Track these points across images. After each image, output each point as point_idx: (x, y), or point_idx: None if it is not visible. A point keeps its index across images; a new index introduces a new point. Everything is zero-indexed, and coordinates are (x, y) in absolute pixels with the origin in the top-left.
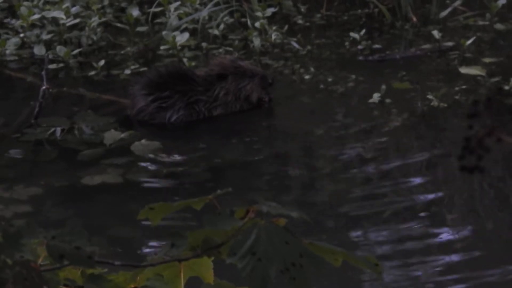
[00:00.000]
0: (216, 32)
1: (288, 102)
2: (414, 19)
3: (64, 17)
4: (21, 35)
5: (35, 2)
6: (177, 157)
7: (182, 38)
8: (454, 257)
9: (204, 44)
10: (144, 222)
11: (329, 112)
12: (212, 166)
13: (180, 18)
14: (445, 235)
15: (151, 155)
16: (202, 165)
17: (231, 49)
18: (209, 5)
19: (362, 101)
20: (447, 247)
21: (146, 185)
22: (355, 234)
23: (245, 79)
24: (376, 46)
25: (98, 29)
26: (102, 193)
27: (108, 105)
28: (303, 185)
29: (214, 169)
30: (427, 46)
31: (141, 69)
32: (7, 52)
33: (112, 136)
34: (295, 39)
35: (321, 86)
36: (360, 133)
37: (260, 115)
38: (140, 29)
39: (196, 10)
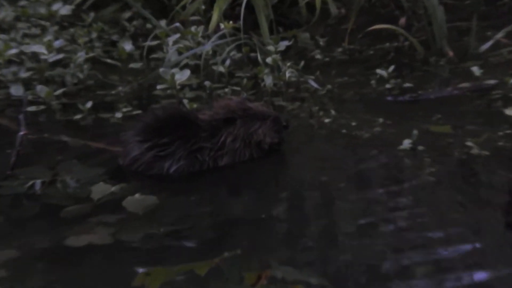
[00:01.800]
0: (221, 69)
1: (305, 150)
2: (451, 53)
3: (45, 52)
4: None
5: (12, 35)
6: (176, 214)
7: (182, 76)
8: None
9: (207, 83)
10: None
11: (352, 161)
12: (217, 224)
13: (180, 53)
14: None
15: (146, 212)
16: (206, 223)
17: (238, 88)
18: (213, 38)
19: (390, 148)
20: None
21: (140, 246)
22: None
23: (256, 123)
24: (407, 85)
25: (85, 66)
26: (89, 256)
27: (96, 154)
28: (322, 244)
29: (220, 227)
30: (465, 84)
31: (135, 112)
32: None
33: (101, 189)
34: (312, 77)
35: (343, 131)
36: (387, 185)
37: (273, 165)
38: (133, 65)
39: (199, 44)
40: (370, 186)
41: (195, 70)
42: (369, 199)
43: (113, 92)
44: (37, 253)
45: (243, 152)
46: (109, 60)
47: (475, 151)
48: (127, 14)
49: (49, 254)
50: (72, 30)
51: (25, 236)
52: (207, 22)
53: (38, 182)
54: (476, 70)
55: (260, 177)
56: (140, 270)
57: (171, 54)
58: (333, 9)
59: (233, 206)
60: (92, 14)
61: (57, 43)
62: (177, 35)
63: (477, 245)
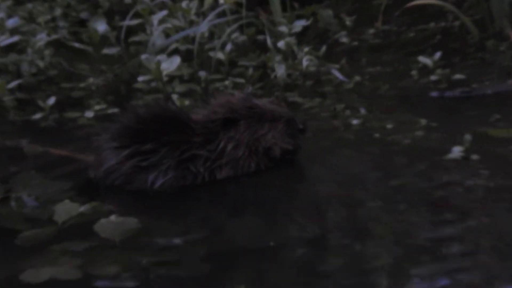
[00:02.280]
0: (220, 55)
1: (326, 160)
2: None
3: None
4: None
5: None
6: (163, 241)
7: (170, 64)
8: None
9: (202, 74)
10: None
11: (387, 174)
12: (214, 254)
13: (167, 36)
14: None
15: (124, 239)
16: (201, 252)
17: (242, 80)
18: (210, 16)
19: (436, 157)
20: None
21: (116, 282)
22: None
23: (264, 125)
24: (457, 76)
25: (47, 52)
26: None
27: (60, 164)
28: (345, 281)
29: (217, 258)
30: None
31: (110, 111)
32: None
33: (66, 209)
34: (337, 65)
35: (376, 135)
36: (430, 207)
37: (285, 179)
38: (108, 51)
39: (191, 23)
40: (407, 208)
41: (186, 57)
42: (406, 225)
43: (82, 85)
44: None
45: (248, 162)
46: (77, 44)
47: None
48: None
49: None
50: (29, 5)
51: None
52: None
53: None
54: None
55: (269, 195)
56: None
57: (156, 36)
58: None
59: (235, 231)
60: None
61: (11, 22)
62: (164, 12)
63: None
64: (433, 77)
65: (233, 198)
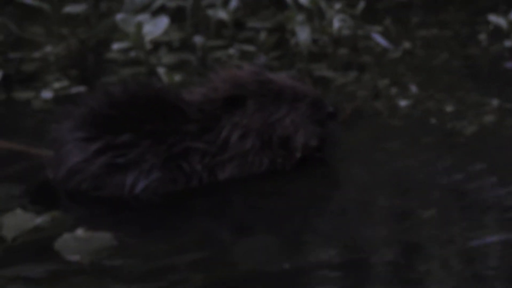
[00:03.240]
0: (222, 14)
1: (365, 155)
2: None
3: None
4: None
5: None
6: (147, 264)
7: (155, 27)
8: None
9: (198, 40)
10: None
11: (445, 174)
12: (215, 280)
13: None
14: None
15: (95, 261)
16: (196, 279)
17: (252, 48)
18: None
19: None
20: None
21: None
22: None
23: (281, 107)
24: None
25: None
26: None
27: (9, 162)
28: None
29: (218, 286)
30: None
31: (74, 90)
32: None
33: (17, 222)
34: (379, 28)
35: (431, 121)
36: (502, 215)
37: (309, 181)
38: (71, 9)
39: None
40: (473, 220)
41: (177, 17)
42: (474, 248)
43: (36, 55)
44: None
45: (259, 158)
46: (29, 0)
47: None
48: None
49: None
50: None
51: None
52: None
53: None
54: None
55: (285, 204)
56: None
57: None
58: None
59: (240, 251)
60: None
61: None
62: None
63: None
64: (508, 43)
65: (239, 209)
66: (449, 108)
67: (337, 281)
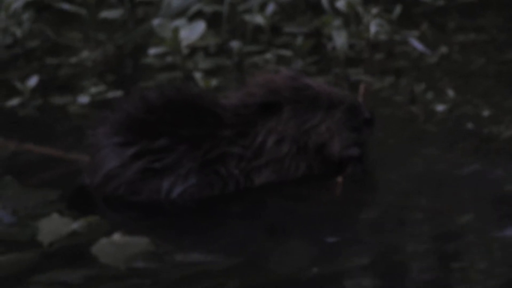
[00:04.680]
0: (259, 20)
1: (402, 161)
2: None
3: None
4: None
5: None
6: (184, 269)
7: (192, 32)
8: None
9: (235, 45)
10: None
11: (483, 179)
12: (249, 286)
13: None
14: None
15: (131, 265)
16: (232, 284)
17: (289, 53)
18: None
19: None
20: None
21: None
22: None
23: (317, 113)
24: None
25: (25, 16)
26: None
27: (45, 167)
28: None
29: None
30: None
31: (111, 94)
32: None
33: (54, 227)
34: (415, 32)
35: (469, 126)
36: None
37: (345, 187)
38: (108, 14)
39: None
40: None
41: (213, 22)
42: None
43: (73, 60)
44: None
45: (295, 163)
46: (66, 6)
47: None
48: None
49: None
50: None
51: None
52: None
53: None
54: None
55: (322, 210)
56: None
57: None
58: None
59: (276, 256)
60: None
61: None
62: None
63: None
64: None
65: (274, 213)
66: (485, 113)
67: (367, 285)
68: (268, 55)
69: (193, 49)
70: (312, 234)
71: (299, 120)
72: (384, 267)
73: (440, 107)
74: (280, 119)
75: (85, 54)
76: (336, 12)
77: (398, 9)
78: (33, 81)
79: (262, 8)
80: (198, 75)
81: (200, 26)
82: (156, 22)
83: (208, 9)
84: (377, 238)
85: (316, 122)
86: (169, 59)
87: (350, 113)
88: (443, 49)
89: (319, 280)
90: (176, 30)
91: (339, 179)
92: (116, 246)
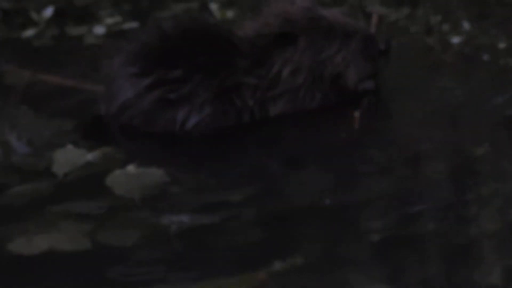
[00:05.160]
0: None
1: (418, 91)
2: None
3: None
4: None
5: None
6: (198, 200)
7: None
8: None
9: None
10: None
11: (499, 109)
12: (266, 218)
13: None
14: None
15: (147, 197)
16: (248, 214)
17: None
18: None
19: None
20: None
21: (137, 254)
22: None
23: (333, 43)
24: None
25: None
26: (50, 269)
27: (60, 96)
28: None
29: (269, 223)
30: None
31: (126, 25)
32: None
33: (69, 158)
34: None
35: (484, 57)
36: None
37: (362, 113)
38: None
39: None
40: None
41: None
42: None
43: None
44: None
45: (311, 94)
46: None
47: None
48: None
49: None
50: None
51: None
52: None
53: None
54: None
55: (338, 139)
56: None
57: None
58: None
59: (292, 187)
60: None
61: None
62: None
63: None
64: None
65: (290, 144)
66: (501, 45)
67: (386, 213)
68: None
69: None
70: (327, 164)
71: (315, 50)
72: (401, 196)
73: (455, 39)
74: (296, 49)
75: None
76: None
77: None
78: (48, 11)
79: None
80: (214, 6)
81: None
82: None
83: None
84: (393, 164)
85: (332, 52)
86: None
87: (365, 43)
88: None
89: (335, 209)
90: None
91: (356, 114)
92: (131, 177)
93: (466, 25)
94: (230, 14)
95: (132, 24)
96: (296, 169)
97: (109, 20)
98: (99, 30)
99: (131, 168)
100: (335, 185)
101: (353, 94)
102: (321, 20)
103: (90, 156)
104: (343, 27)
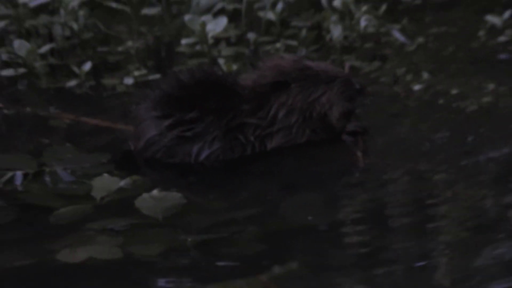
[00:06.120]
0: (271, 15)
1: (386, 128)
2: None
3: None
4: None
5: None
6: (210, 219)
7: (216, 25)
8: None
9: (251, 36)
10: None
11: (452, 144)
12: (266, 233)
13: None
14: None
15: (168, 216)
16: (250, 231)
17: (295, 43)
18: None
19: (506, 125)
20: None
21: (160, 262)
22: None
23: (318, 88)
24: None
25: (81, 13)
26: (89, 275)
27: (97, 135)
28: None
29: (269, 237)
30: None
31: (151, 77)
32: None
33: (105, 184)
34: (398, 26)
35: (440, 102)
36: (502, 183)
37: (345, 149)
38: (148, 11)
39: None
40: (477, 179)
41: (234, 17)
42: (477, 198)
43: (120, 49)
44: (18, 272)
45: (302, 130)
46: (114, 4)
47: None
48: None
49: (33, 274)
50: None
51: (1, 249)
52: None
53: (18, 174)
54: None
55: (326, 166)
56: None
57: None
58: None
59: (288, 207)
60: None
61: None
62: None
63: None
64: (502, 38)
65: (288, 172)
66: (454, 91)
67: (369, 234)
68: (278, 45)
69: (217, 40)
70: (317, 189)
71: (304, 94)
72: (377, 218)
73: (417, 87)
74: (289, 95)
75: (129, 43)
76: (333, 9)
77: (383, 7)
78: (87, 65)
79: (273, 5)
80: (221, 61)
81: (223, 21)
82: (187, 17)
83: (229, 6)
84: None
85: (318, 94)
86: (198, 47)
87: (344, 85)
88: (420, 39)
89: (323, 226)
90: (203, 24)
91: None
92: (155, 199)
93: (425, 76)
94: (234, 67)
95: (155, 76)
96: (291, 193)
97: (137, 73)
98: (129, 81)
99: (155, 192)
100: (323, 206)
101: (336, 129)
102: (308, 69)
103: (122, 183)
104: (326, 73)
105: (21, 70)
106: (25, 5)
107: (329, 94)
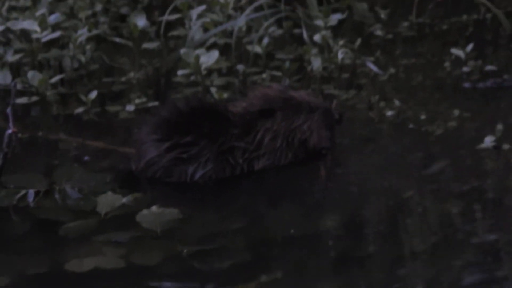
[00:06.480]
0: (257, 49)
1: (362, 150)
2: None
3: (38, 29)
4: None
5: None
6: (203, 231)
7: (209, 58)
8: None
9: (240, 67)
10: None
11: (421, 164)
12: (253, 243)
13: (205, 30)
14: None
15: (166, 229)
16: (240, 242)
17: (279, 73)
18: (248, 11)
19: (469, 147)
20: None
21: (159, 271)
22: None
23: (300, 116)
24: (489, 67)
25: (88, 46)
26: (95, 283)
27: (102, 157)
28: (384, 267)
29: (256, 247)
30: None
31: (150, 104)
32: None
33: (109, 201)
34: (372, 58)
35: (410, 126)
36: (465, 194)
37: (322, 166)
38: (148, 45)
39: (229, 17)
40: (443, 195)
41: (225, 51)
42: (443, 212)
43: (123, 79)
44: (30, 281)
45: (285, 153)
46: (117, 39)
47: None
48: None
49: (45, 282)
50: (71, 1)
51: (15, 259)
52: None
53: (31, 192)
54: None
55: (306, 184)
56: None
57: (195, 31)
58: None
59: (273, 220)
60: None
61: (53, 18)
62: (202, 7)
63: None
64: (465, 69)
65: (272, 188)
66: (423, 116)
67: (349, 239)
68: (264, 75)
69: (210, 71)
70: (298, 203)
71: (288, 122)
72: (352, 228)
73: (389, 113)
74: (274, 121)
75: (131, 74)
76: (314, 43)
77: (358, 41)
78: (93, 94)
79: (260, 40)
80: (213, 90)
81: (215, 54)
82: (183, 51)
83: (221, 41)
84: (347, 204)
85: (300, 122)
86: (192, 78)
87: (324, 115)
88: (392, 70)
89: (304, 237)
90: (197, 57)
91: (322, 171)
92: (154, 214)
93: (397, 103)
94: (225, 95)
95: (155, 103)
96: (275, 207)
97: (138, 100)
98: (130, 107)
99: (154, 208)
100: (304, 219)
101: (316, 153)
102: (292, 99)
103: (125, 200)
104: (308, 103)
105: (34, 98)
106: (38, 39)
107: (309, 123)
